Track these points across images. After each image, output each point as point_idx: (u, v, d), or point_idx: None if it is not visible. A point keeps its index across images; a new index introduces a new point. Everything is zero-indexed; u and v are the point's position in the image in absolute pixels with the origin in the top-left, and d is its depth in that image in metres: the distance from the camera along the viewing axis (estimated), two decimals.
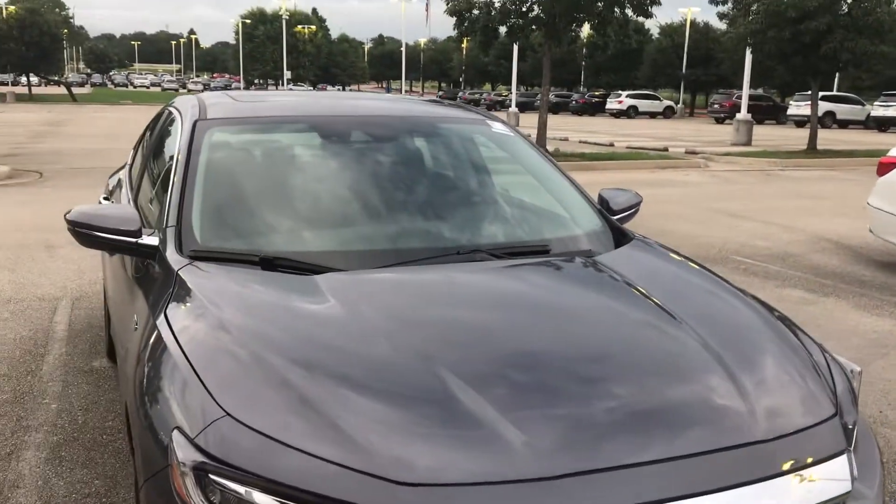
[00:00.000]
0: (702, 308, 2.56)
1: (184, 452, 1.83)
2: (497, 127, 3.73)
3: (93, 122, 27.60)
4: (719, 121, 43.49)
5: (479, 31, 20.07)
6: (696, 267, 2.99)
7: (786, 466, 1.90)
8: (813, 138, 22.00)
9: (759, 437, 1.94)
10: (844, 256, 8.54)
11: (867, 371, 5.00)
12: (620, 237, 3.24)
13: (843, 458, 1.99)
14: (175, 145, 3.26)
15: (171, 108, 3.89)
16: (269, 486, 1.73)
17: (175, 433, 1.89)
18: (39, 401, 4.31)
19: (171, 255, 2.71)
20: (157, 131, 4.02)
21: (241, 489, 1.74)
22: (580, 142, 25.02)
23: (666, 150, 21.69)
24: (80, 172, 14.34)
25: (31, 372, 4.72)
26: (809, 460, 1.94)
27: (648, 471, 1.80)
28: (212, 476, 1.77)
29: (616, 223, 3.39)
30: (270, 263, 2.64)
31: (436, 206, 3.17)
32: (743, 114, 25.36)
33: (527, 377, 2.06)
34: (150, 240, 2.83)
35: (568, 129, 30.94)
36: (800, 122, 37.27)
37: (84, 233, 2.83)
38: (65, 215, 2.90)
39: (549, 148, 19.75)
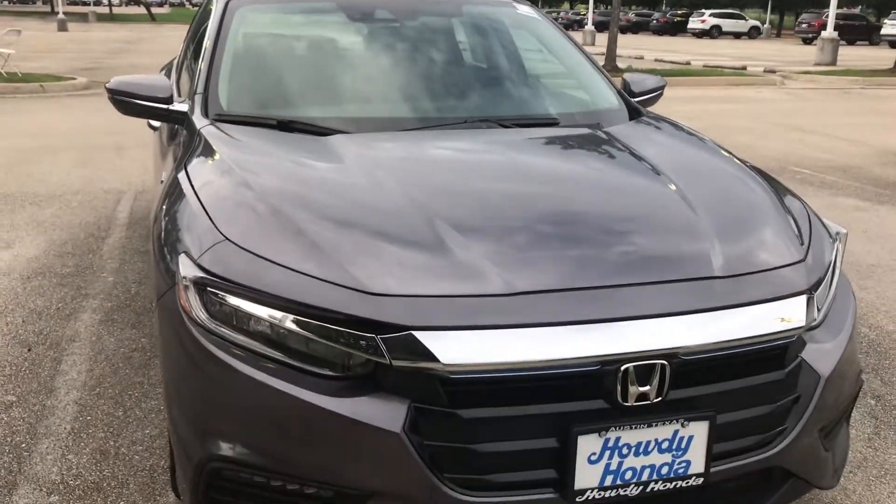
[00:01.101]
0: (690, 168, 2.65)
1: (187, 270, 2.04)
2: (523, 9, 3.79)
3: (168, 39, 28.12)
4: (807, 41, 41.52)
5: None
6: (701, 139, 3.05)
7: (743, 300, 2.00)
8: None
9: (722, 273, 2.05)
10: None
11: None
12: (636, 116, 3.31)
13: (802, 299, 2.08)
14: (209, 25, 3.44)
15: None
16: (258, 297, 1.92)
17: (181, 256, 2.11)
18: (98, 274, 4.66)
19: (198, 118, 2.91)
20: (198, 17, 4.22)
21: (234, 300, 1.94)
22: (655, 60, 24.37)
23: (744, 68, 20.99)
24: None
25: (93, 251, 5.08)
26: (767, 297, 2.04)
27: (606, 293, 1.93)
28: (210, 289, 1.98)
29: (634, 103, 3.44)
30: (287, 126, 2.82)
31: (450, 80, 3.28)
32: (829, 31, 24.19)
33: (510, 226, 2.18)
34: (181, 106, 3.04)
35: (645, 49, 30.08)
36: (893, 43, 35.32)
37: (122, 100, 3.05)
38: (105, 84, 3.12)
39: (621, 65, 19.34)
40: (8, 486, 2.65)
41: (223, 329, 1.95)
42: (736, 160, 2.82)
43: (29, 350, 3.66)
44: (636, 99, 3.58)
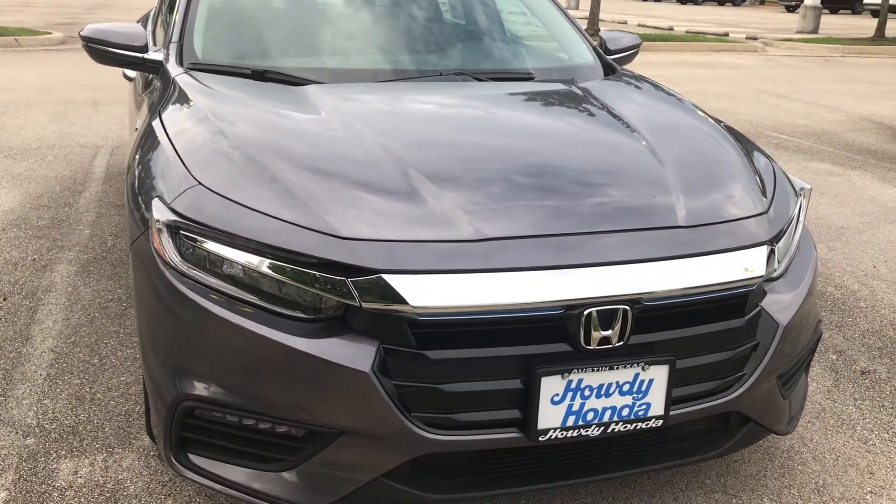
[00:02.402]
0: (660, 124, 2.69)
1: (160, 213, 2.07)
2: None
3: None
4: (790, 9, 41.45)
5: None
6: (673, 96, 3.09)
7: (705, 248, 2.06)
8: (882, 25, 20.96)
9: (686, 223, 2.10)
10: (883, 136, 8.38)
11: (873, 234, 5.06)
12: (610, 72, 3.35)
13: (763, 249, 2.14)
14: None
15: None
16: (230, 240, 1.95)
17: (155, 200, 2.13)
18: (74, 227, 4.65)
19: (172, 67, 2.91)
20: None
21: (207, 243, 1.97)
22: (638, 25, 24.26)
23: (726, 35, 20.96)
24: None
25: (69, 204, 5.07)
26: (728, 246, 2.09)
27: (571, 240, 1.98)
28: (183, 232, 2.01)
29: (609, 60, 3.47)
30: (262, 75, 2.83)
31: (428, 35, 3.29)
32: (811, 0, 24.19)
33: (482, 176, 2.22)
34: (156, 55, 3.03)
35: (629, 14, 29.91)
36: (876, 12, 35.35)
37: (97, 48, 3.03)
38: (79, 32, 3.10)
39: (604, 29, 19.26)
40: None
41: (196, 272, 1.98)
42: (705, 116, 2.86)
43: (4, 300, 3.67)
44: (612, 56, 3.61)
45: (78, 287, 3.82)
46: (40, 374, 3.03)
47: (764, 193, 2.36)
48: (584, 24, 18.49)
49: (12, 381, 2.99)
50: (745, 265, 2.09)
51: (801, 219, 2.47)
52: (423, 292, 1.84)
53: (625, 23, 24.63)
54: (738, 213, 2.21)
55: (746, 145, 2.70)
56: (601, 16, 20.10)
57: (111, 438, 2.66)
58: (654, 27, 23.68)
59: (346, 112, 2.52)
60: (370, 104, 2.68)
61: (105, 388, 2.96)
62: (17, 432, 2.67)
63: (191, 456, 2.08)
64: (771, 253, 2.18)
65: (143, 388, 2.33)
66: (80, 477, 2.46)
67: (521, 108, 2.82)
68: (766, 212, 2.26)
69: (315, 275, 1.89)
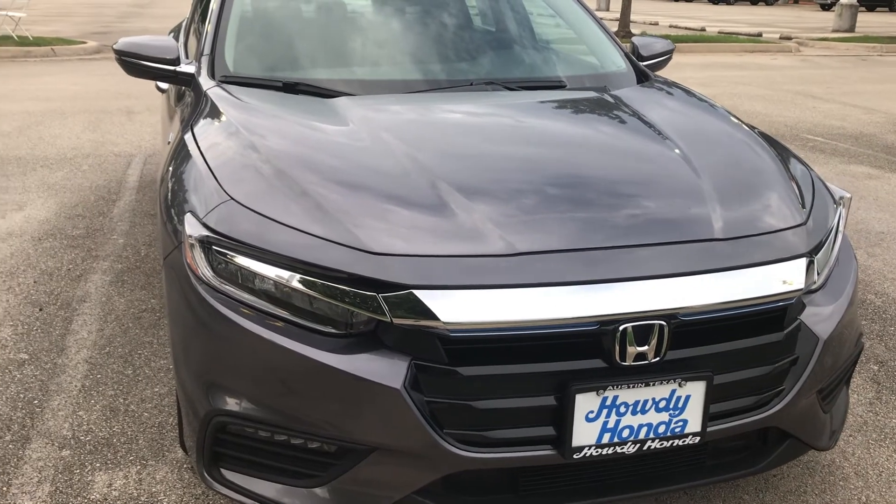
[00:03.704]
0: (695, 132, 2.64)
1: (192, 229, 2.07)
2: None
3: (180, 3, 27.95)
4: (825, 7, 40.87)
5: None
6: (706, 102, 3.04)
7: (742, 261, 2.02)
8: None
9: (722, 236, 2.06)
10: None
11: None
12: (643, 79, 3.30)
13: (802, 261, 2.09)
14: None
15: None
16: (262, 256, 1.95)
17: (187, 216, 2.13)
18: (108, 236, 4.70)
19: (204, 80, 2.92)
20: None
21: (238, 258, 1.97)
22: (670, 26, 24.07)
23: (759, 35, 20.71)
24: None
25: (103, 213, 5.13)
26: (767, 259, 2.05)
27: (604, 254, 1.95)
28: (215, 248, 2.01)
29: (641, 67, 3.43)
30: (293, 88, 2.84)
31: (458, 43, 3.28)
32: None
33: (512, 188, 2.19)
34: (187, 68, 3.05)
35: (659, 14, 29.69)
36: None
37: (129, 62, 3.06)
38: (112, 46, 3.13)
39: (635, 31, 19.11)
40: (21, 440, 2.71)
41: (228, 287, 1.98)
42: (741, 124, 2.81)
43: (40, 310, 3.71)
44: (644, 63, 3.57)
45: (112, 297, 3.86)
46: (75, 386, 3.06)
47: (802, 203, 2.31)
48: (614, 27, 18.37)
49: (48, 392, 3.02)
50: (784, 278, 2.04)
51: (841, 229, 2.42)
52: (454, 308, 1.82)
53: (656, 24, 24.44)
54: (776, 225, 2.16)
55: (783, 153, 2.65)
56: (631, 17, 19.94)
57: (145, 451, 2.67)
58: (686, 28, 23.45)
59: (374, 123, 2.51)
60: (399, 115, 2.66)
61: (139, 399, 2.98)
62: (52, 444, 2.69)
63: (223, 471, 2.08)
64: (810, 265, 2.13)
65: (176, 399, 2.34)
66: (115, 489, 2.47)
67: (552, 117, 2.79)
68: (805, 222, 2.21)
69: (346, 290, 1.88)
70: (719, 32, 21.40)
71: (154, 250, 4.46)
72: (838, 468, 2.65)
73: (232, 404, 1.99)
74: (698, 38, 18.59)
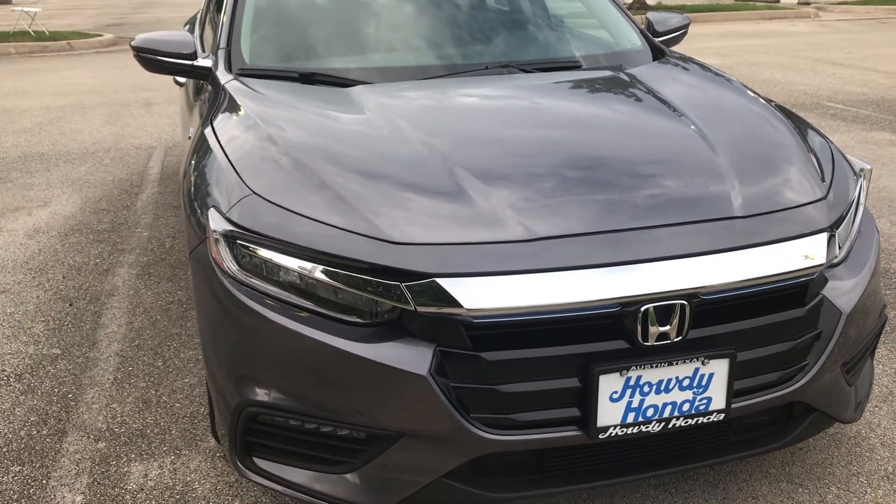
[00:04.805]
0: (711, 108, 2.63)
1: (216, 224, 2.10)
2: None
3: None
4: None
5: None
6: (723, 77, 3.03)
7: (763, 238, 2.02)
8: None
9: (742, 213, 2.06)
10: None
11: None
12: (659, 56, 3.29)
13: (823, 236, 2.09)
14: None
15: None
16: (286, 248, 1.98)
17: (211, 210, 2.17)
18: (133, 230, 4.77)
19: (221, 74, 2.95)
20: None
21: (263, 251, 2.00)
22: None
23: (777, 1, 20.43)
24: None
25: (127, 207, 5.19)
26: (787, 235, 2.05)
27: (624, 236, 1.96)
28: (239, 242, 2.04)
29: (656, 43, 3.42)
30: (309, 78, 2.86)
31: (472, 26, 3.27)
32: None
33: (530, 172, 2.20)
34: (205, 62, 3.07)
35: None
36: None
37: (147, 57, 3.09)
38: (130, 43, 3.16)
39: (650, 2, 18.94)
40: (58, 434, 2.77)
41: (253, 280, 2.01)
42: (758, 98, 2.80)
43: (70, 305, 3.78)
44: (660, 38, 3.55)
45: (139, 290, 3.92)
46: (108, 379, 3.12)
47: (822, 177, 2.30)
48: (628, 0, 18.19)
49: (81, 385, 3.08)
50: (805, 253, 2.05)
51: (862, 201, 2.41)
52: (476, 295, 1.84)
53: None
54: (796, 200, 2.16)
55: (800, 125, 2.64)
56: None
57: (178, 441, 2.73)
58: None
59: (390, 111, 2.52)
60: (414, 101, 2.68)
61: (170, 390, 3.03)
62: (88, 437, 2.76)
63: (256, 460, 2.13)
64: (831, 239, 2.13)
65: (207, 389, 2.38)
66: (150, 479, 2.53)
67: (568, 99, 2.79)
68: (825, 196, 2.21)
69: (369, 280, 1.91)
70: (735, 1, 21.13)
71: (178, 242, 4.52)
72: (864, 439, 2.65)
73: (262, 395, 2.03)
74: (714, 8, 18.38)
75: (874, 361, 2.86)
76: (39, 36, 14.29)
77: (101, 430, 2.80)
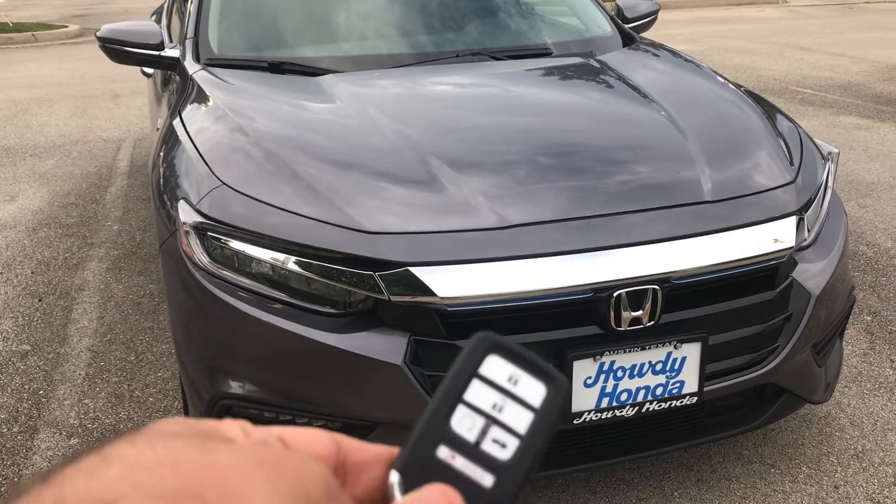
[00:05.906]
0: (681, 94, 2.65)
1: (186, 216, 2.08)
2: None
3: None
4: None
5: None
6: (693, 63, 3.04)
7: (733, 222, 2.04)
8: None
9: (712, 198, 2.08)
10: None
11: None
12: (629, 42, 3.30)
13: (792, 219, 2.12)
14: None
15: None
16: (257, 240, 1.97)
17: (181, 202, 2.14)
18: (103, 223, 4.71)
19: (189, 64, 2.91)
20: None
21: (234, 243, 1.99)
22: None
23: None
24: None
25: (96, 200, 5.12)
26: (757, 219, 2.07)
27: (595, 222, 1.97)
28: (210, 234, 2.02)
29: (626, 29, 3.43)
30: (278, 68, 2.83)
31: (442, 14, 3.26)
32: None
33: (502, 160, 2.21)
34: (172, 52, 3.04)
35: None
36: None
37: (114, 48, 3.05)
38: (96, 33, 3.12)
39: None
40: (30, 431, 2.74)
41: (225, 272, 2.00)
42: (728, 83, 2.82)
43: (40, 300, 3.73)
44: (630, 25, 3.56)
45: (110, 284, 3.88)
46: (79, 374, 3.09)
47: (791, 161, 2.33)
48: None
49: (53, 382, 3.05)
50: (775, 237, 2.07)
51: (830, 184, 2.44)
52: (450, 283, 1.84)
53: None
54: (765, 184, 2.18)
55: (770, 110, 2.66)
56: None
57: None
58: None
59: (361, 100, 2.51)
60: (386, 90, 2.66)
61: (143, 384, 3.01)
62: (61, 433, 2.73)
63: None
64: (800, 222, 2.15)
65: (180, 383, 2.37)
66: None
67: (538, 86, 2.79)
68: (794, 180, 2.23)
69: (342, 270, 1.90)
70: None
71: (149, 235, 4.47)
72: (834, 419, 2.70)
73: (235, 387, 2.02)
74: None
75: (843, 343, 2.90)
76: (3, 27, 14.03)
77: (73, 426, 2.77)
